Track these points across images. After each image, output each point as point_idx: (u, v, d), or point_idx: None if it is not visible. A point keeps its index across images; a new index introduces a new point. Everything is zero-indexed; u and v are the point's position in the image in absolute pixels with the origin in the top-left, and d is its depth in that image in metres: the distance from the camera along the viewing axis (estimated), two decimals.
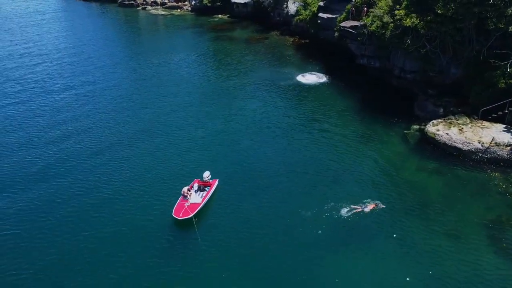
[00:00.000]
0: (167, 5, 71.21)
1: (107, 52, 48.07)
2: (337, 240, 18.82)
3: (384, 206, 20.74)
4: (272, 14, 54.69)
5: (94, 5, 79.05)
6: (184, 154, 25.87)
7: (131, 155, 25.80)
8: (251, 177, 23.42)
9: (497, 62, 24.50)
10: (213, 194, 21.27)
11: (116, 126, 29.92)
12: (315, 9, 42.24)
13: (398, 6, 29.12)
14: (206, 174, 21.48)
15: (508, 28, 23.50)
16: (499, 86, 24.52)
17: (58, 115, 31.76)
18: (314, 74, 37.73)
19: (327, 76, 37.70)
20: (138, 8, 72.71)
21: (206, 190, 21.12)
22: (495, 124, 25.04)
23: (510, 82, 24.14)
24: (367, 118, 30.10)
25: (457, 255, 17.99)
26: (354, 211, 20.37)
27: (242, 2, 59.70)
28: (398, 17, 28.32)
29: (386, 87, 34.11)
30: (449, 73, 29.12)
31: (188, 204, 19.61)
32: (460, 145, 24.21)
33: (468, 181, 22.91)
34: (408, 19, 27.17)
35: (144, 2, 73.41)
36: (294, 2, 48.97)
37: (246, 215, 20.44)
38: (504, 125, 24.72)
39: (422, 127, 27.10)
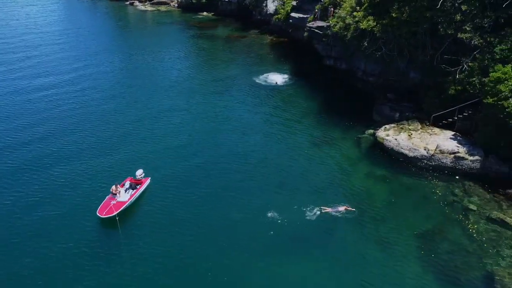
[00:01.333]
0: (154, 1, 71.11)
1: (86, 45, 48.27)
2: (268, 244, 18.50)
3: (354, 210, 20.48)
4: (253, 12, 54.42)
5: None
6: (123, 151, 25.51)
7: (71, 150, 25.54)
8: (189, 177, 23.10)
9: (447, 68, 24.03)
10: (144, 192, 21.10)
11: (58, 119, 29.60)
12: (289, 8, 41.87)
13: (358, 8, 28.73)
14: (139, 172, 21.29)
15: (457, 34, 22.99)
16: (449, 92, 24.05)
17: None
18: (281, 74, 37.41)
19: (295, 76, 37.43)
20: (127, 3, 72.77)
21: (136, 189, 20.93)
22: (444, 131, 24.58)
23: (459, 89, 23.65)
24: (326, 121, 29.77)
25: (385, 265, 17.70)
26: (323, 211, 20.22)
27: (227, 0, 59.47)
28: (356, 19, 27.93)
29: (350, 89, 33.79)
30: (408, 77, 28.69)
31: (114, 202, 19.42)
32: (406, 152, 23.79)
33: (412, 189, 22.52)
34: (364, 22, 26.76)
35: None
36: (273, 1, 48.63)
37: (176, 215, 20.15)
38: (452, 132, 24.27)
39: (376, 131, 26.69)
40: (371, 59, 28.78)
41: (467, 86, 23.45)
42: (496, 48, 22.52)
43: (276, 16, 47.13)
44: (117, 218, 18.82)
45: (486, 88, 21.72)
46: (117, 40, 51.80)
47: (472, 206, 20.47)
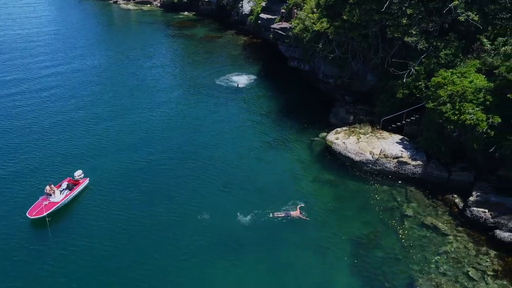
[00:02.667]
0: (137, 0, 70.98)
1: (63, 43, 48.30)
2: (203, 247, 18.42)
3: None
4: (231, 13, 54.21)
5: None
6: (65, 151, 25.42)
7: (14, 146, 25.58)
8: (132, 177, 23.02)
9: (396, 72, 23.83)
10: (82, 193, 21.05)
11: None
12: (259, 9, 41.68)
13: (315, 10, 28.53)
14: (78, 173, 21.26)
15: (404, 38, 22.78)
16: (398, 96, 23.86)
17: None
18: (247, 75, 37.22)
19: (260, 77, 37.29)
20: (111, 1, 72.63)
21: (73, 189, 20.88)
22: (393, 135, 24.39)
23: (406, 93, 23.46)
24: (283, 122, 29.63)
25: (317, 271, 17.65)
26: (275, 215, 20.11)
27: (207, 0, 59.29)
28: (312, 21, 27.72)
29: (313, 91, 33.67)
30: (366, 80, 28.45)
31: (46, 202, 19.38)
32: (353, 156, 23.62)
33: (356, 194, 22.37)
34: (318, 24, 26.55)
35: None
36: (249, 2, 48.41)
37: (111, 216, 20.07)
38: (400, 136, 24.09)
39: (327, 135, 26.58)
40: (328, 61, 28.56)
41: (414, 90, 23.29)
42: (441, 52, 22.33)
43: (250, 17, 46.93)
44: (47, 218, 18.74)
45: (428, 92, 21.54)
46: (94, 38, 51.51)
47: (409, 212, 20.34)
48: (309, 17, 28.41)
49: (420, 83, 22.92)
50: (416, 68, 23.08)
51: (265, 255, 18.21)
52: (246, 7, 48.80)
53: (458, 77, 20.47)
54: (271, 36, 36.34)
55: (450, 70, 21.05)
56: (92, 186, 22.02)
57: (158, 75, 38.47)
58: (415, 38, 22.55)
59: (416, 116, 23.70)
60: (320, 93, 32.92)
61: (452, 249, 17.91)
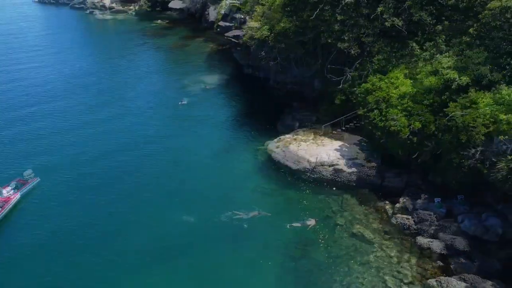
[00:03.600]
0: (114, 9, 70.99)
1: (31, 52, 48.56)
2: (147, 257, 18.35)
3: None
4: (202, 19, 54.18)
5: (49, 7, 79.37)
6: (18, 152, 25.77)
7: None
8: (83, 180, 23.45)
9: (333, 78, 23.69)
10: (31, 192, 21.35)
11: None
12: (220, 17, 41.64)
13: (260, 18, 28.46)
14: (28, 172, 21.41)
15: (337, 44, 22.61)
16: (335, 102, 23.70)
17: None
18: (206, 84, 36.99)
19: (220, 86, 37.01)
20: (87, 12, 72.64)
21: (20, 188, 21.10)
22: (334, 142, 24.06)
23: (343, 99, 23.29)
24: (231, 132, 29.41)
25: (246, 284, 17.46)
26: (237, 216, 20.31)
27: (178, 7, 59.32)
28: (256, 29, 27.66)
29: (267, 98, 33.36)
30: (313, 86, 28.31)
31: None
32: (291, 164, 23.34)
33: (292, 203, 22.08)
34: (258, 32, 26.48)
35: (93, 6, 73.30)
36: (215, 9, 48.34)
37: (61, 215, 20.45)
38: (341, 143, 23.84)
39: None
40: (274, 68, 28.48)
41: (350, 96, 23.14)
42: (375, 58, 22.19)
43: (216, 24, 46.88)
44: None
45: (358, 98, 21.38)
46: (68, 48, 51.76)
47: (340, 221, 20.07)
48: (253, 26, 28.38)
49: (355, 88, 22.77)
50: (352, 74, 22.94)
51: (193, 264, 18.10)
52: (213, 14, 48.73)
53: (386, 83, 20.32)
54: (227, 45, 36.35)
55: (379, 76, 20.89)
56: (44, 186, 22.34)
57: (116, 84, 38.58)
58: (347, 44, 22.41)
59: (355, 122, 23.53)
60: (272, 100, 32.70)
61: (375, 258, 17.66)
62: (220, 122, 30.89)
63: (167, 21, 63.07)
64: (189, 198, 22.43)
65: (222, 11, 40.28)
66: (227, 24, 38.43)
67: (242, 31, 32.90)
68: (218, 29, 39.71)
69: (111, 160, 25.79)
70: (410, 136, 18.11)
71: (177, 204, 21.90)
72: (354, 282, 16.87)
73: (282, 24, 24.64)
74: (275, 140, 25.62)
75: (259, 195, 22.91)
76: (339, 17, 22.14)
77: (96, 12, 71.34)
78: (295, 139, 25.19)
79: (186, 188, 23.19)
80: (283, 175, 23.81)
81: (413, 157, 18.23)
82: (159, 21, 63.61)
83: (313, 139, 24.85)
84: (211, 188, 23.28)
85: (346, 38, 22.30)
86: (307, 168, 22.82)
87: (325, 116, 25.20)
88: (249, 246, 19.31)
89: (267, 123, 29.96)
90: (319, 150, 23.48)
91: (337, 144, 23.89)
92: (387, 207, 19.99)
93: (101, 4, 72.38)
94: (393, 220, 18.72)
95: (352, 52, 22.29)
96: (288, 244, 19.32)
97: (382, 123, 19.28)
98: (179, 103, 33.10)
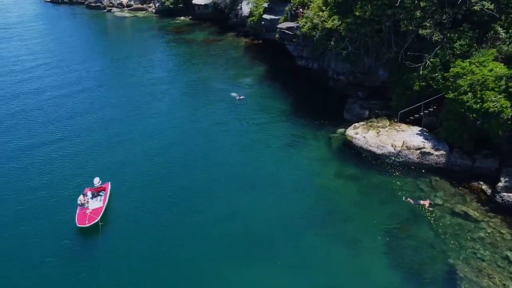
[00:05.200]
0: (132, 7, 70.59)
1: (63, 52, 47.80)
2: (240, 249, 18.51)
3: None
4: (229, 15, 54.27)
5: (62, 7, 78.49)
6: (76, 161, 25.25)
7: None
8: (150, 180, 23.20)
9: (411, 64, 24.20)
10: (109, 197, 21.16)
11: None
12: (261, 10, 41.89)
13: (324, 8, 28.84)
14: (96, 180, 21.28)
15: (418, 31, 23.19)
16: (414, 88, 24.23)
17: None
18: (253, 77, 37.22)
19: (267, 78, 37.40)
20: (104, 10, 72.10)
21: (101, 195, 20.97)
22: (411, 127, 24.75)
23: (423, 85, 23.84)
24: (297, 122, 29.77)
25: (352, 264, 17.84)
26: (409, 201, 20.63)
27: (203, 3, 59.23)
28: (322, 19, 28.04)
29: (323, 89, 33.86)
30: (378, 75, 28.86)
31: (89, 210, 19.58)
32: (375, 149, 23.94)
33: (380, 186, 22.64)
34: (330, 21, 26.87)
35: (110, 4, 72.79)
36: (248, 4, 48.56)
37: (143, 218, 20.31)
38: (419, 128, 24.44)
39: (346, 130, 26.78)
40: (340, 58, 28.90)
41: (431, 82, 23.70)
42: (456, 43, 22.79)
43: (251, 18, 47.06)
44: (100, 223, 19.15)
45: (447, 83, 21.95)
46: (94, 47, 51.23)
47: (438, 201, 20.68)
48: (318, 15, 28.73)
49: (436, 74, 23.33)
50: (432, 60, 23.49)
51: (298, 252, 18.32)
52: (245, 9, 48.93)
53: (476, 66, 20.91)
54: (277, 36, 36.59)
55: (468, 60, 21.48)
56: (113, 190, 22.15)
57: (164, 81, 38.36)
58: (429, 31, 23.01)
59: (434, 107, 24.12)
60: (329, 91, 33.20)
61: (487, 235, 18.27)
62: (281, 113, 31.21)
63: (190, 17, 63.11)
64: (271, 186, 22.70)
65: (265, 4, 40.48)
66: (272, 17, 38.70)
67: (297, 23, 33.27)
68: (262, 22, 39.91)
69: (181, 153, 25.90)
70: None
71: (261, 193, 22.10)
72: (471, 257, 17.42)
73: (357, 13, 25.05)
74: (351, 127, 26.12)
75: (344, 179, 23.41)
76: (422, 4, 22.70)
77: (114, 10, 70.90)
78: (370, 126, 25.77)
79: (265, 177, 23.45)
80: (364, 160, 24.32)
81: None
82: (182, 17, 63.53)
83: (390, 125, 25.44)
84: (291, 174, 23.69)
85: (428, 24, 22.87)
86: (392, 152, 23.39)
87: (398, 103, 25.71)
88: (346, 229, 19.73)
89: (329, 113, 30.39)
90: (401, 134, 24.08)
91: (416, 129, 24.52)
92: (483, 187, 20.64)
93: (118, 2, 72.00)
94: (498, 199, 19.34)
95: (435, 38, 22.85)
96: (386, 225, 19.80)
97: (478, 105, 19.87)
98: (237, 98, 33.16)
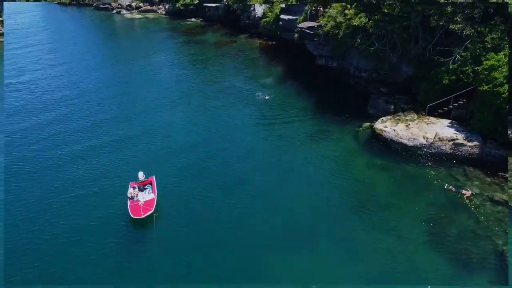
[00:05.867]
0: (142, 8, 71.08)
1: (78, 55, 48.00)
2: (284, 239, 18.58)
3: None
4: (241, 17, 54.81)
5: (70, 8, 78.87)
6: (114, 156, 25.39)
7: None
8: (190, 173, 23.38)
9: (440, 59, 24.67)
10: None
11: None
12: (277, 11, 42.40)
13: (349, 6, 29.34)
14: (141, 174, 21.32)
15: (449, 26, 23.71)
16: (444, 82, 24.67)
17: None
18: (272, 76, 37.45)
19: (287, 77, 37.72)
20: (113, 12, 72.51)
21: (148, 188, 21.03)
22: (440, 120, 25.14)
23: (452, 79, 24.29)
24: (322, 118, 30.04)
25: (395, 252, 17.87)
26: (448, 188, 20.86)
27: (214, 5, 59.87)
28: (348, 16, 28.51)
29: (343, 86, 34.24)
30: (401, 71, 29.30)
31: (142, 202, 19.64)
32: (406, 141, 24.26)
33: (413, 177, 22.87)
34: (357, 19, 27.33)
35: (119, 6, 73.23)
36: (261, 5, 49.14)
37: (193, 208, 20.50)
38: (449, 121, 24.83)
39: (373, 124, 27.12)
40: (363, 55, 29.34)
41: (461, 75, 24.14)
42: (487, 37, 23.30)
43: (265, 19, 47.60)
44: (155, 214, 19.35)
45: (480, 76, 22.39)
46: (108, 49, 51.50)
47: (475, 190, 20.94)
48: (344, 13, 29.21)
49: (467, 68, 23.79)
50: (462, 54, 23.97)
51: (340, 241, 18.43)
52: (259, 10, 49.52)
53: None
54: (295, 36, 37.05)
55: (503, 52, 21.96)
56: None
57: (185, 81, 38.49)
58: (461, 25, 23.50)
59: (464, 100, 24.55)
60: (349, 88, 33.54)
61: None
62: (305, 111, 31.44)
63: (200, 19, 63.65)
64: (305, 179, 22.91)
65: (282, 5, 41.00)
66: (290, 17, 39.20)
67: (318, 22, 33.78)
68: (280, 23, 40.38)
69: (216, 149, 26.05)
70: None
71: (296, 186, 22.25)
72: None
73: (385, 10, 25.56)
74: (379, 121, 26.45)
75: (376, 169, 23.64)
76: None
77: (124, 11, 71.35)
78: (398, 119, 26.12)
79: (298, 170, 23.63)
80: (394, 152, 24.60)
81: None
82: (192, 19, 64.13)
83: (418, 119, 25.81)
84: (322, 166, 23.96)
85: (459, 19, 23.39)
86: (424, 144, 23.72)
87: (426, 97, 26.14)
88: (385, 218, 19.84)
89: (352, 108, 30.71)
90: (432, 127, 24.44)
91: (446, 122, 24.91)
92: None
93: (127, 3, 72.42)
94: None
95: (467, 32, 23.37)
96: (426, 213, 19.95)
97: None
98: (264, 97, 33.46)
